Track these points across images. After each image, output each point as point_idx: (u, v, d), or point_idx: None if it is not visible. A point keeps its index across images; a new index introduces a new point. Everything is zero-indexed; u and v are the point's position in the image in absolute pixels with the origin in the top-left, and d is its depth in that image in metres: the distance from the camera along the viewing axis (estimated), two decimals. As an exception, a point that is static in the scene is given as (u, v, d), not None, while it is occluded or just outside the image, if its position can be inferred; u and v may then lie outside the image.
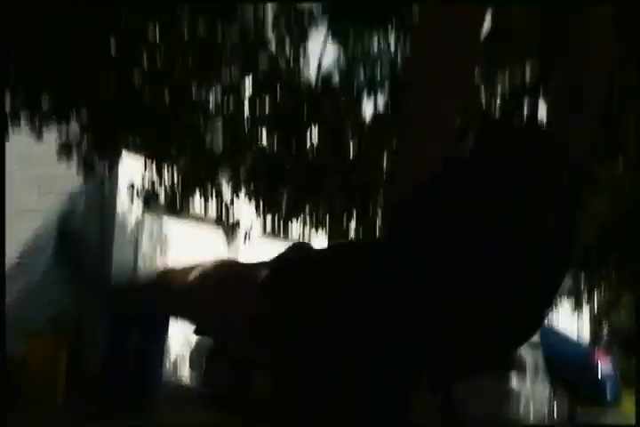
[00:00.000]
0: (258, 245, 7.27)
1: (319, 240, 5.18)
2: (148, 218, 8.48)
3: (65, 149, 5.41)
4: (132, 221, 8.46)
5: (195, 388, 8.43)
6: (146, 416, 6.43)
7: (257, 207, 5.70)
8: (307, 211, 5.60)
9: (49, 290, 8.10)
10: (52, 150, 5.53)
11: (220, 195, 5.79)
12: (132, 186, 5.93)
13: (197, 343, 8.29)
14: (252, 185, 5.63)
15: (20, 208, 7.23)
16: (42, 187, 8.02)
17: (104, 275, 1.83)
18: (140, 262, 8.64)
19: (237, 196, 5.75)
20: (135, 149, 5.74)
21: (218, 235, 9.57)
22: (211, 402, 7.74)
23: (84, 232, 7.92)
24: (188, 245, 9.15)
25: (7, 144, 4.99)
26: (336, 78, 5.32)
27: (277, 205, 5.63)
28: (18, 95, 4.80)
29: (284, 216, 5.77)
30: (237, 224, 6.11)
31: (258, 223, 6.25)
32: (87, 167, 5.48)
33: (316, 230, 5.63)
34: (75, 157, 5.48)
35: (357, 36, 5.17)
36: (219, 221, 5.99)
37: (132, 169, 6.09)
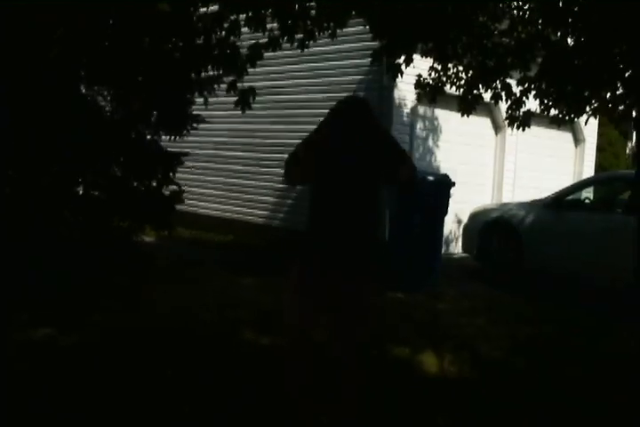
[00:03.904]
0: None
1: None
2: (422, 106, 9.03)
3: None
4: (408, 108, 9.06)
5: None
6: (426, 289, 7.23)
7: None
8: None
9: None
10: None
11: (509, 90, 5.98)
12: (419, 80, 6.35)
13: (472, 218, 8.89)
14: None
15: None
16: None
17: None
18: (414, 144, 9.37)
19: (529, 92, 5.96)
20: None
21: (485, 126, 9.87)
22: (485, 276, 8.40)
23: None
24: (456, 134, 9.63)
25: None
26: None
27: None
28: None
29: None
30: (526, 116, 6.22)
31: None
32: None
33: None
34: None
35: None
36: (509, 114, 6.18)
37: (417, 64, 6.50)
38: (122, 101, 7.31)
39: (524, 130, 6.17)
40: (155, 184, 6.35)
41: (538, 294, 7.26)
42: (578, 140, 12.06)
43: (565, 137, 11.73)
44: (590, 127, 11.80)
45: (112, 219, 6.44)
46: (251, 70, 5.92)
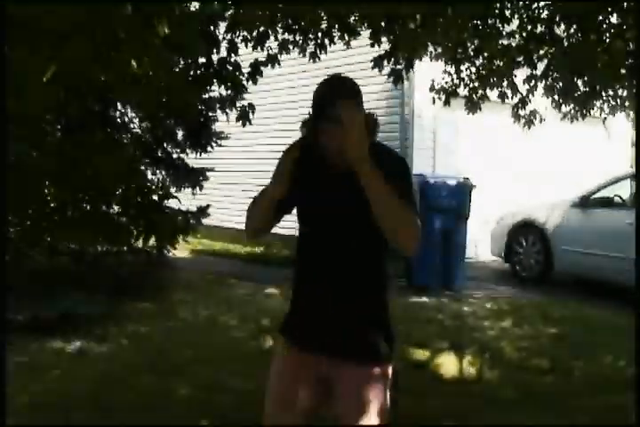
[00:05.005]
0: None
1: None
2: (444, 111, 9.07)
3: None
4: (430, 113, 9.10)
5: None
6: (451, 291, 7.36)
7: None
8: None
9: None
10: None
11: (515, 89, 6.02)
12: (433, 85, 6.42)
13: (500, 221, 8.86)
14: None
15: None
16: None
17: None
18: (437, 149, 9.46)
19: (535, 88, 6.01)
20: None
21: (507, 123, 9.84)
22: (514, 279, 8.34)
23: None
24: (479, 134, 9.64)
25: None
26: None
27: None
28: None
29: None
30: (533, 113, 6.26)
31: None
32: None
33: None
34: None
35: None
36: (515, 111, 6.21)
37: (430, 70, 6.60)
38: (149, 122, 7.61)
39: (529, 128, 6.17)
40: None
41: (567, 297, 7.19)
42: (611, 136, 11.89)
43: (598, 133, 11.58)
44: (624, 123, 11.64)
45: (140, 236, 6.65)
46: (271, 87, 5.98)
